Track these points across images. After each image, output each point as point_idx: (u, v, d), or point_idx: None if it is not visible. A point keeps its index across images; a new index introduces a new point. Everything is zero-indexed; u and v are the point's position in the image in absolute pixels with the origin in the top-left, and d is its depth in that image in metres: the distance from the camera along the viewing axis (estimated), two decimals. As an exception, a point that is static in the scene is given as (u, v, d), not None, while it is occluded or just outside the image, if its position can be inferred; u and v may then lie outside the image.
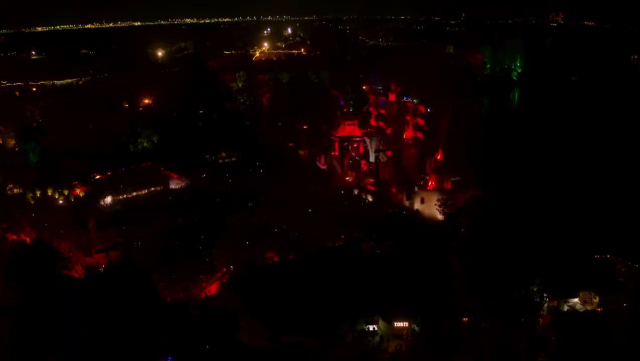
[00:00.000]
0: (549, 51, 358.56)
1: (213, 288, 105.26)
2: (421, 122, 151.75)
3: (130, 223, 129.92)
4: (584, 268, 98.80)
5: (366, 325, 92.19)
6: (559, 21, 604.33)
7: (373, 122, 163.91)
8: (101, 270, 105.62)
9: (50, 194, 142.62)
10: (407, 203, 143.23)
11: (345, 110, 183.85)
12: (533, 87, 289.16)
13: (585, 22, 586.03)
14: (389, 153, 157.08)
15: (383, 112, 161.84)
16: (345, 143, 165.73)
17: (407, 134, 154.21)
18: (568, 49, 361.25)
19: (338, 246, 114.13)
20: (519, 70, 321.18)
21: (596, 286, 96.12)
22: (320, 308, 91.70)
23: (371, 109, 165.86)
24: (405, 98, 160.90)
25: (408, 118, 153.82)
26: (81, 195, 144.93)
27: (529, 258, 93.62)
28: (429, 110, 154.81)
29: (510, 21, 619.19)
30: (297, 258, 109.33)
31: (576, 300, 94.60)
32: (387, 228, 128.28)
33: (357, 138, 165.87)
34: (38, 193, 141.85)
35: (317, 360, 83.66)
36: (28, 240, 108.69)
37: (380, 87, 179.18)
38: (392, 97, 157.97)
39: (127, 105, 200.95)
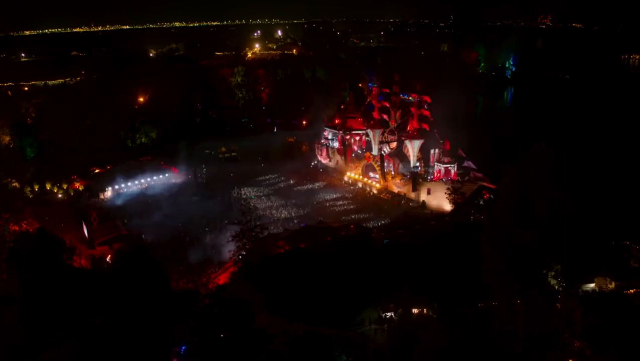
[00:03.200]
0: (541, 51, 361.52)
1: (223, 279, 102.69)
2: (426, 113, 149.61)
3: (133, 216, 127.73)
4: (599, 254, 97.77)
5: (383, 313, 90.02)
6: (548, 23, 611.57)
7: (376, 115, 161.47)
8: (108, 261, 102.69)
9: (48, 188, 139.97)
10: (413, 194, 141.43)
11: (342, 106, 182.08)
12: (528, 85, 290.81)
13: (574, 24, 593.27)
14: (392, 145, 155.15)
15: (386, 104, 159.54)
16: (348, 137, 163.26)
17: (411, 126, 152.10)
18: (560, 49, 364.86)
19: (350, 235, 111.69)
20: (513, 69, 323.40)
21: (611, 272, 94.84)
22: (335, 297, 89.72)
23: (374, 102, 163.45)
24: (401, 95, 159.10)
25: (412, 109, 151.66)
26: (80, 189, 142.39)
27: (545, 245, 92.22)
28: (425, 106, 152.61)
29: (499, 23, 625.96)
30: (308, 247, 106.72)
31: (592, 285, 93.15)
32: (395, 218, 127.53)
33: (360, 132, 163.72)
34: (36, 188, 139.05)
35: (335, 349, 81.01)
36: (31, 229, 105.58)
37: (375, 85, 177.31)
38: (396, 89, 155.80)
39: (123, 103, 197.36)
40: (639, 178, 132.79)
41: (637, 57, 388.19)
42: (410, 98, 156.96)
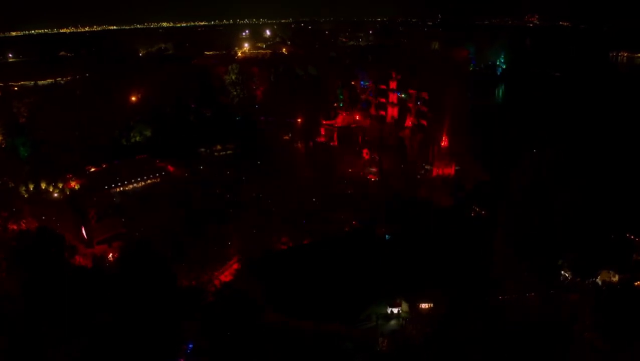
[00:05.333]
0: (530, 49, 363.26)
1: (226, 276, 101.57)
2: (424, 109, 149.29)
3: (131, 214, 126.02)
4: (603, 247, 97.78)
5: (389, 308, 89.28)
6: (535, 22, 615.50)
7: (373, 111, 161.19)
8: (110, 258, 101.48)
9: (44, 187, 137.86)
10: (411, 190, 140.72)
11: (335, 104, 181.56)
12: (519, 82, 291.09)
13: (561, 23, 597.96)
14: (391, 141, 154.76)
15: (383, 100, 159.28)
16: (345, 133, 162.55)
17: (409, 122, 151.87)
18: (548, 48, 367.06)
19: (353, 230, 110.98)
20: (503, 67, 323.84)
21: (615, 265, 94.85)
22: (340, 293, 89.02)
23: (370, 98, 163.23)
24: (394, 93, 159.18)
25: (410, 105, 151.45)
26: (76, 187, 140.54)
27: (550, 238, 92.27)
28: (419, 102, 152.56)
29: (486, 22, 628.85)
30: (312, 242, 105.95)
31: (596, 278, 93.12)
32: (396, 214, 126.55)
33: (357, 128, 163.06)
34: (31, 187, 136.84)
35: (344, 344, 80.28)
36: (32, 228, 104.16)
37: (367, 83, 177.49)
38: (393, 85, 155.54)
39: (116, 102, 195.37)
40: (636, 172, 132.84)
41: (625, 54, 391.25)
42: (404, 95, 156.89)
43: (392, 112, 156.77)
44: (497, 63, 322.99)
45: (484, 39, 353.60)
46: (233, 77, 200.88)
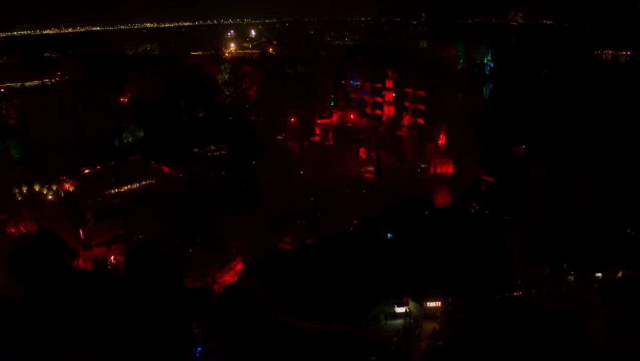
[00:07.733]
0: (517, 48, 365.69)
1: (228, 277, 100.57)
2: (421, 107, 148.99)
3: (128, 216, 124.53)
4: (605, 243, 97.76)
5: (396, 307, 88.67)
6: (519, 20, 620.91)
7: (368, 110, 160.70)
8: (112, 261, 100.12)
9: (38, 190, 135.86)
10: (409, 189, 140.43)
11: (326, 104, 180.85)
12: (508, 81, 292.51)
13: (544, 21, 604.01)
14: (387, 140, 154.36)
15: (379, 99, 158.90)
16: (341, 133, 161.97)
17: (406, 120, 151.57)
18: (536, 46, 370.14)
19: (357, 229, 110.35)
20: (491, 65, 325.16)
21: (617, 262, 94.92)
22: (346, 292, 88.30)
23: (365, 97, 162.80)
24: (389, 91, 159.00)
25: (407, 104, 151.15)
26: (71, 189, 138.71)
27: (551, 235, 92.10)
28: (416, 101, 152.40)
29: (470, 21, 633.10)
30: (315, 242, 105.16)
31: (599, 275, 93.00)
32: (397, 213, 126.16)
33: (352, 127, 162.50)
34: (25, 189, 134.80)
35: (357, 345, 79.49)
36: (33, 230, 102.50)
37: (357, 83, 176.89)
38: (389, 83, 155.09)
39: (107, 103, 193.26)
40: (634, 168, 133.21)
41: (610, 52, 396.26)
42: (394, 94, 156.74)
43: (389, 111, 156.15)
44: (485, 62, 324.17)
45: (470, 38, 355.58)
46: (226, 77, 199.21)
